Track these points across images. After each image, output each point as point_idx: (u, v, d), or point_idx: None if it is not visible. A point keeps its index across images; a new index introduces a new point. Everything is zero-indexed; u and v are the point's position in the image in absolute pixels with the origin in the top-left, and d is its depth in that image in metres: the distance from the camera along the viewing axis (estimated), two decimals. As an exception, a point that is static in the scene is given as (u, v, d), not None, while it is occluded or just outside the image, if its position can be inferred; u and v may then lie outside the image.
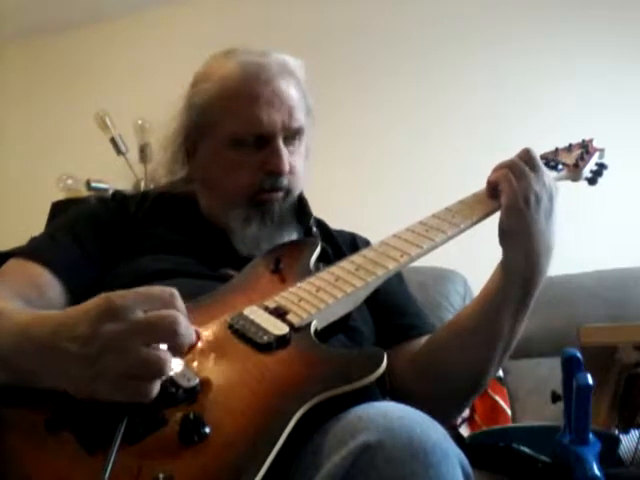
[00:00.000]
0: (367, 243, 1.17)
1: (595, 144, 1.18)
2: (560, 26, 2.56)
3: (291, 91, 1.07)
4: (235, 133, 1.05)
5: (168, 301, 0.67)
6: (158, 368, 0.64)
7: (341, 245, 1.16)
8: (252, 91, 1.04)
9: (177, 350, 0.67)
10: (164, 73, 2.58)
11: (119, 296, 0.66)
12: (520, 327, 0.98)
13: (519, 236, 0.93)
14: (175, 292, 0.68)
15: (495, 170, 0.97)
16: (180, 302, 0.68)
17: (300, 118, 1.07)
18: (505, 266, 0.96)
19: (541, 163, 0.97)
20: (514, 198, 0.92)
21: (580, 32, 2.54)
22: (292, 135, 1.07)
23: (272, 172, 1.05)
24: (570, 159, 1.13)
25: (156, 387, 0.65)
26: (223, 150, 1.07)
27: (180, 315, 0.66)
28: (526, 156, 0.96)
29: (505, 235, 0.95)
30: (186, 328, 0.66)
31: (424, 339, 1.07)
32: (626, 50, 2.47)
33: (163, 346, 0.66)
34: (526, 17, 2.59)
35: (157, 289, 0.68)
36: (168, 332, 0.65)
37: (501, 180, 0.94)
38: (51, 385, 0.69)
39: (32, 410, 0.70)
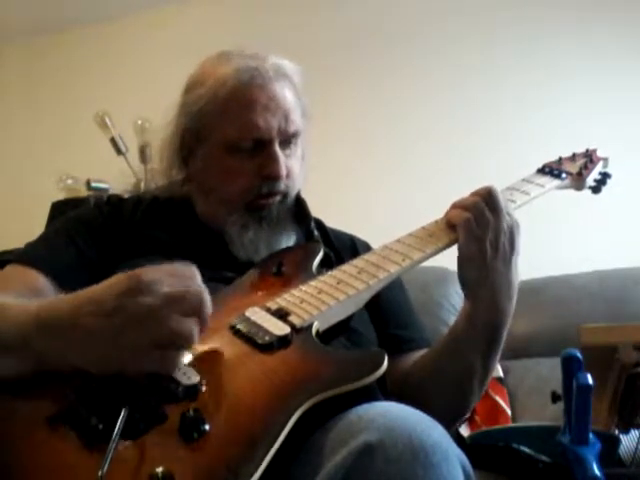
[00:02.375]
0: (367, 247, 1.17)
1: (599, 153, 1.18)
2: (561, 26, 2.56)
3: (287, 94, 1.06)
4: (231, 139, 1.04)
5: (190, 278, 0.71)
6: (187, 337, 0.68)
7: (339, 248, 1.15)
8: (248, 96, 1.03)
9: (202, 324, 0.70)
10: (164, 73, 2.57)
11: (144, 272, 0.69)
12: (494, 361, 0.99)
13: (477, 287, 0.94)
14: (195, 269, 0.72)
15: (455, 207, 0.95)
16: (200, 278, 0.72)
17: (296, 121, 1.06)
18: (468, 314, 0.97)
19: (502, 204, 0.93)
20: (469, 249, 0.91)
21: (582, 32, 2.54)
22: (288, 139, 1.06)
23: (269, 177, 1.04)
24: (574, 168, 1.14)
25: (182, 357, 0.69)
26: (220, 156, 1.06)
27: (204, 289, 0.70)
28: (488, 197, 0.93)
29: (464, 285, 0.96)
30: (210, 302, 0.70)
31: (418, 354, 1.07)
32: (627, 51, 2.47)
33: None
34: (527, 17, 2.59)
35: (177, 266, 0.72)
36: (197, 304, 0.69)
37: (460, 224, 0.92)
38: (73, 364, 0.70)
39: (34, 405, 0.70)
